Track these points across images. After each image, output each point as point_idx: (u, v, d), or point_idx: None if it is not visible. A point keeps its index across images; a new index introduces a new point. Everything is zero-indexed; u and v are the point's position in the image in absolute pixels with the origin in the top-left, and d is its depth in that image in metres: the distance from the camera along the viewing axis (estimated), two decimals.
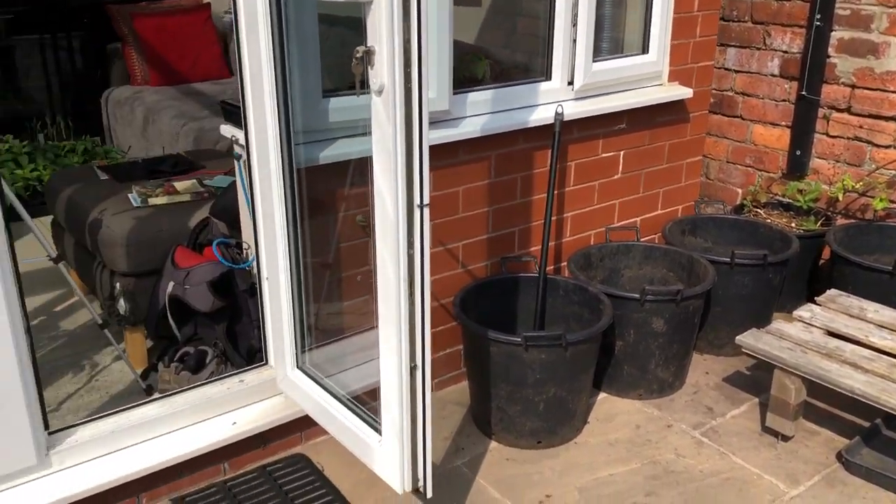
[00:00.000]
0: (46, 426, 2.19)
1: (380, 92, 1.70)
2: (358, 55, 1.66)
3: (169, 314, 2.63)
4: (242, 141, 2.48)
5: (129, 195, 2.92)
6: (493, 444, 2.65)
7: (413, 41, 1.64)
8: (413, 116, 1.69)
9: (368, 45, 1.67)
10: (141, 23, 4.97)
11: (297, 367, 2.42)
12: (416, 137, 1.71)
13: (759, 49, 3.46)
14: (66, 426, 2.27)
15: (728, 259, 2.99)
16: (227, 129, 2.56)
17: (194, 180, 3.05)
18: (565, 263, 3.14)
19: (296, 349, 2.40)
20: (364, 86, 1.74)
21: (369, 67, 1.68)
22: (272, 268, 2.38)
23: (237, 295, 2.63)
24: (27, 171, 4.25)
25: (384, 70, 1.67)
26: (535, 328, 2.81)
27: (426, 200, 1.76)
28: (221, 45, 5.32)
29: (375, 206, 1.82)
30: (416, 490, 2.06)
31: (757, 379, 3.00)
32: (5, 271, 1.97)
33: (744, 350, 2.66)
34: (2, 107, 5.17)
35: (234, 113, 2.50)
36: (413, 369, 1.91)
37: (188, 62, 5.11)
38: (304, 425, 2.59)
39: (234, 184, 2.80)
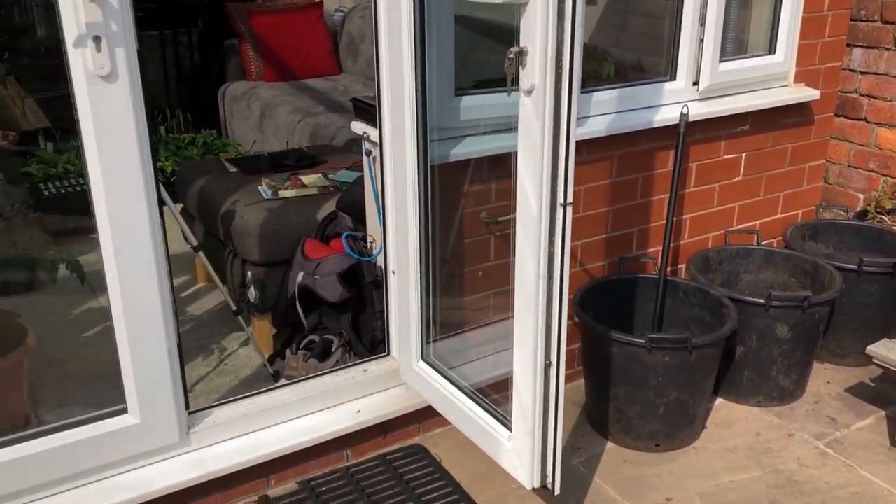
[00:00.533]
0: (187, 406, 2.30)
1: (529, 92, 1.72)
2: (511, 56, 1.69)
3: (298, 303, 2.72)
4: (373, 137, 2.55)
5: (259, 187, 3.04)
6: (610, 445, 2.65)
7: (566, 43, 1.65)
8: (561, 117, 1.71)
9: (521, 45, 1.70)
10: (257, 20, 5.14)
11: (422, 358, 2.47)
12: (564, 137, 1.73)
13: (888, 50, 3.33)
14: (203, 407, 2.38)
15: (855, 266, 2.90)
16: (358, 126, 2.63)
17: (320, 174, 3.14)
18: (682, 265, 3.10)
19: (421, 341, 2.45)
20: (513, 84, 1.77)
21: (521, 68, 1.71)
22: (401, 261, 2.44)
23: (363, 286, 2.70)
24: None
25: (535, 70, 1.69)
26: (654, 330, 2.79)
27: (570, 199, 1.78)
28: (332, 42, 5.45)
29: (518, 203, 1.85)
30: (543, 487, 2.08)
31: (883, 391, 2.90)
32: (159, 258, 2.08)
33: (874, 361, 2.58)
34: None
35: (367, 110, 2.57)
36: (548, 366, 1.93)
37: (300, 59, 5.26)
38: (421, 416, 2.64)
39: (360, 178, 2.88)
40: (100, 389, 2.77)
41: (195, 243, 2.63)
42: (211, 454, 2.32)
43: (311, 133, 4.24)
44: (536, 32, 1.66)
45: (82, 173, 4.53)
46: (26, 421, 2.42)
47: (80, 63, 1.85)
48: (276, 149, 4.26)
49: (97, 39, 1.84)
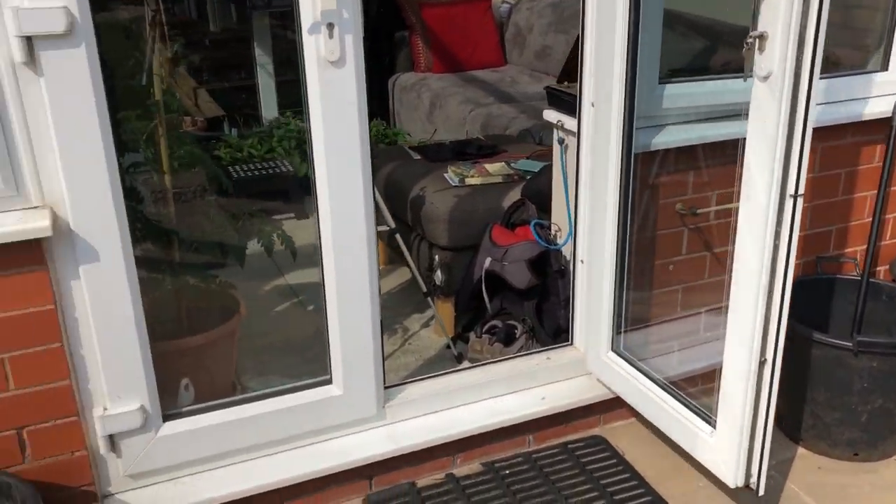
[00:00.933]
0: (384, 381, 2.39)
1: (766, 78, 1.67)
2: (749, 40, 1.65)
3: (483, 288, 2.77)
4: (568, 126, 2.56)
5: (445, 175, 3.11)
6: (801, 451, 2.54)
7: (810, 27, 1.60)
8: (798, 104, 1.66)
9: (760, 30, 1.65)
10: (429, 12, 5.25)
11: (612, 349, 2.45)
12: (800, 126, 1.67)
13: None
14: (398, 383, 2.47)
15: None
16: (552, 115, 2.64)
17: (503, 163, 3.18)
18: (882, 268, 2.93)
19: (612, 332, 2.44)
20: (743, 70, 1.73)
21: (758, 52, 1.66)
22: (593, 251, 2.43)
23: (549, 274, 2.71)
24: None
25: (775, 56, 1.64)
26: (854, 333, 2.65)
27: (801, 191, 1.72)
28: (498, 34, 5.49)
29: (742, 193, 1.80)
30: (746, 486, 2.02)
31: None
32: (370, 236, 2.17)
33: None
34: (298, 92, 5.67)
35: (562, 99, 2.57)
36: (762, 364, 1.87)
37: (467, 50, 5.34)
38: (603, 408, 2.63)
39: (545, 168, 2.89)
40: (292, 361, 2.93)
41: (393, 226, 2.73)
42: (404, 429, 2.39)
43: (483, 123, 4.29)
44: (779, 16, 1.61)
45: (265, 158, 4.76)
46: (233, 387, 2.58)
47: (313, 48, 1.95)
48: (446, 138, 4.34)
49: (330, 26, 1.93)
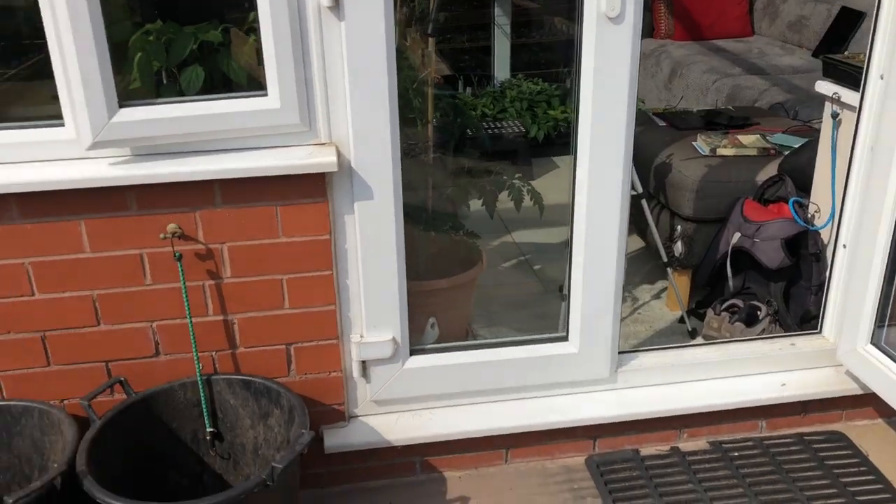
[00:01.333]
0: (617, 346, 2.37)
1: None
2: None
3: (728, 264, 2.67)
4: (845, 99, 2.38)
5: (694, 143, 3.00)
6: None
7: None
8: None
9: None
10: None
11: (871, 342, 2.29)
12: None
13: None
14: (631, 350, 2.45)
15: None
16: (827, 86, 2.47)
17: (758, 135, 3.02)
18: None
19: (874, 324, 2.27)
20: None
21: None
22: (864, 236, 2.26)
23: (802, 257, 2.56)
24: (558, 112, 4.64)
25: None
26: None
27: None
28: (747, 3, 5.20)
29: None
30: None
31: None
32: (624, 194, 2.15)
33: None
34: (528, 55, 5.70)
35: (840, 69, 2.40)
36: None
37: (711, 19, 5.10)
38: (847, 403, 2.47)
39: (808, 144, 2.72)
40: (520, 315, 3.00)
41: (640, 190, 2.69)
42: (633, 396, 2.38)
43: (729, 94, 4.09)
44: None
45: (496, 117, 4.83)
46: (466, 333, 2.68)
47: (594, 4, 1.94)
48: (684, 107, 4.19)
49: None
